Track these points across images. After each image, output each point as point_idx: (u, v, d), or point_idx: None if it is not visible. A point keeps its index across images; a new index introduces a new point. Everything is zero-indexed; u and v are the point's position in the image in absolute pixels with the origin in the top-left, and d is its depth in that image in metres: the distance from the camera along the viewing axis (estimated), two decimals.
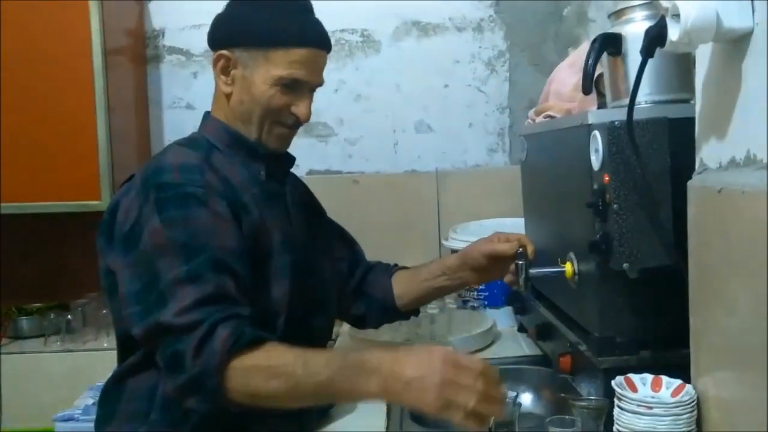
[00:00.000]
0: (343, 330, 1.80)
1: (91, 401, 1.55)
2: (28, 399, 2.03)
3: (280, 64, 1.19)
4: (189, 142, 1.24)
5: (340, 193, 2.34)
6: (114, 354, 1.22)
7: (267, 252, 1.19)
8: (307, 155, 2.40)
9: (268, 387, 0.99)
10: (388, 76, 2.40)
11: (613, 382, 0.99)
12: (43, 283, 2.16)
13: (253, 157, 1.25)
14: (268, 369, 0.99)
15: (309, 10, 1.25)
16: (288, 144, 1.30)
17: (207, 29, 1.26)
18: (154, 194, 1.10)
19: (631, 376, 1.01)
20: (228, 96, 1.24)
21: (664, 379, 0.99)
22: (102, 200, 2.06)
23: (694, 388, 0.95)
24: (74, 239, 2.32)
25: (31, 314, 2.22)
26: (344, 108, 2.41)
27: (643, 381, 1.00)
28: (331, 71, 2.34)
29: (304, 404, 1.05)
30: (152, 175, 1.14)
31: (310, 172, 2.41)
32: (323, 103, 2.39)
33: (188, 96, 2.40)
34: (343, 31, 2.38)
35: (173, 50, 2.39)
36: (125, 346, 1.19)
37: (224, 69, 1.23)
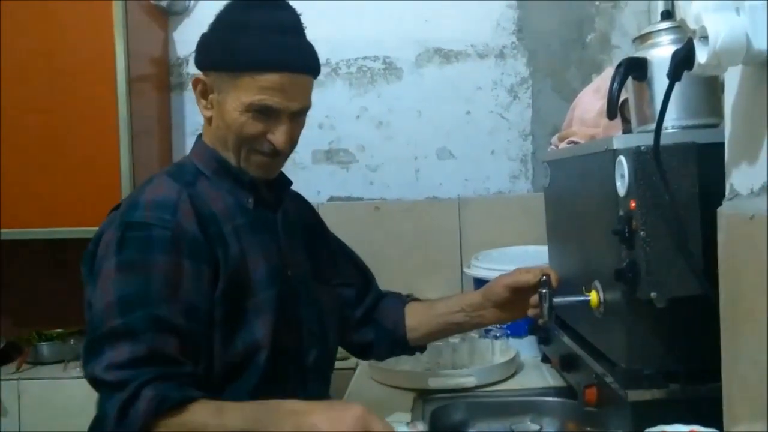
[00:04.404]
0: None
1: None
2: (48, 424, 2.03)
3: (250, 89, 1.13)
4: (175, 170, 1.21)
5: (362, 219, 2.33)
6: None
7: (248, 287, 1.15)
8: (328, 182, 2.40)
9: None
10: (410, 103, 2.40)
11: None
12: (64, 309, 2.16)
13: (241, 185, 1.20)
14: (185, 426, 0.98)
15: (289, 30, 1.17)
16: (271, 172, 1.23)
17: None
18: (120, 232, 1.08)
19: (666, 429, 0.96)
20: (209, 120, 1.21)
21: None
22: None
23: (726, 424, 0.91)
24: None
25: (52, 340, 2.23)
26: (366, 135, 2.41)
27: None
28: (352, 98, 2.40)
29: None
30: (127, 211, 1.12)
31: (331, 199, 2.41)
32: (345, 129, 2.40)
33: None
34: (365, 58, 2.39)
35: None
36: None
37: (203, 93, 1.19)
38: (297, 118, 1.19)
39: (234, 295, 1.13)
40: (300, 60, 1.16)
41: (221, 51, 1.15)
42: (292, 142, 1.20)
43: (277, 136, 1.16)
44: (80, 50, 2.08)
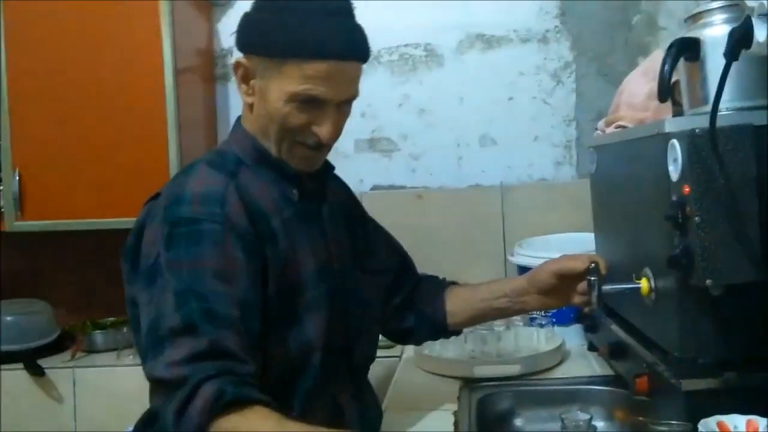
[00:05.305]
0: (407, 347, 1.78)
1: None
2: (102, 411, 2.09)
3: (294, 78, 1.05)
4: (217, 159, 1.15)
5: (404, 208, 2.33)
6: None
7: (298, 284, 1.11)
8: (371, 170, 2.40)
9: None
10: (452, 89, 2.39)
11: (700, 426, 0.93)
12: (116, 298, 2.21)
13: (284, 176, 1.15)
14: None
15: (339, 13, 1.09)
16: (315, 165, 1.17)
17: None
18: (168, 229, 1.03)
19: (722, 419, 0.94)
20: (251, 107, 1.14)
21: (761, 422, 0.92)
22: None
23: None
24: None
25: (105, 329, 2.28)
26: (408, 123, 2.40)
27: (734, 425, 0.94)
28: (394, 86, 2.39)
29: None
30: (171, 205, 1.06)
31: (374, 188, 2.41)
32: (387, 117, 2.40)
33: None
34: (407, 45, 2.37)
35: None
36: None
37: (244, 77, 1.12)
38: (344, 107, 1.13)
39: (285, 294, 1.09)
40: (349, 46, 1.08)
41: (265, 34, 1.08)
42: (337, 134, 1.13)
43: (323, 129, 1.09)
44: (128, 44, 2.11)
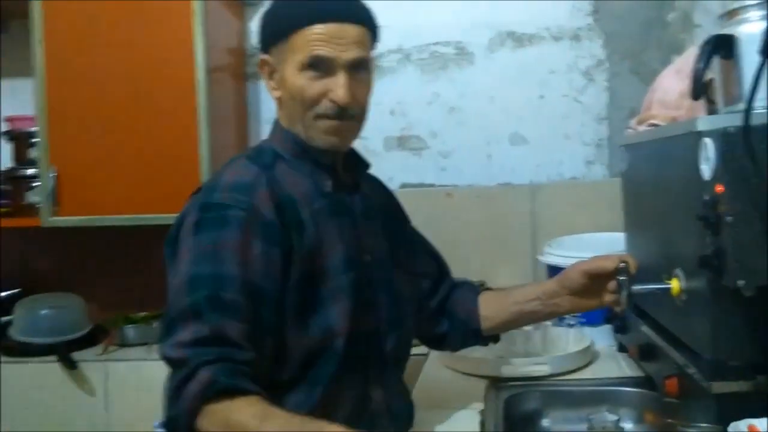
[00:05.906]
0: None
1: None
2: (133, 404, 2.12)
3: (301, 47, 1.13)
4: (254, 154, 1.22)
5: (433, 206, 2.32)
6: None
7: (323, 271, 1.14)
8: (400, 168, 2.40)
9: None
10: (482, 88, 2.37)
11: (730, 429, 0.92)
12: (148, 293, 2.25)
13: (320, 167, 1.20)
14: (227, 421, 0.95)
15: None
16: (341, 138, 1.20)
17: None
18: (198, 214, 1.10)
19: (753, 423, 0.93)
20: (280, 101, 1.22)
21: None
22: None
23: None
24: None
25: (137, 323, 2.31)
26: (438, 121, 2.39)
27: (766, 429, 0.92)
28: (425, 84, 2.39)
29: None
30: (204, 192, 1.15)
31: (404, 186, 2.41)
32: (416, 116, 2.40)
33: None
34: (437, 44, 2.36)
35: None
36: None
37: (270, 73, 1.21)
38: (356, 73, 1.16)
39: (309, 281, 1.12)
40: (345, 9, 1.16)
41: (274, 22, 1.18)
42: (355, 99, 1.16)
43: (337, 91, 1.13)
44: (162, 44, 2.14)
